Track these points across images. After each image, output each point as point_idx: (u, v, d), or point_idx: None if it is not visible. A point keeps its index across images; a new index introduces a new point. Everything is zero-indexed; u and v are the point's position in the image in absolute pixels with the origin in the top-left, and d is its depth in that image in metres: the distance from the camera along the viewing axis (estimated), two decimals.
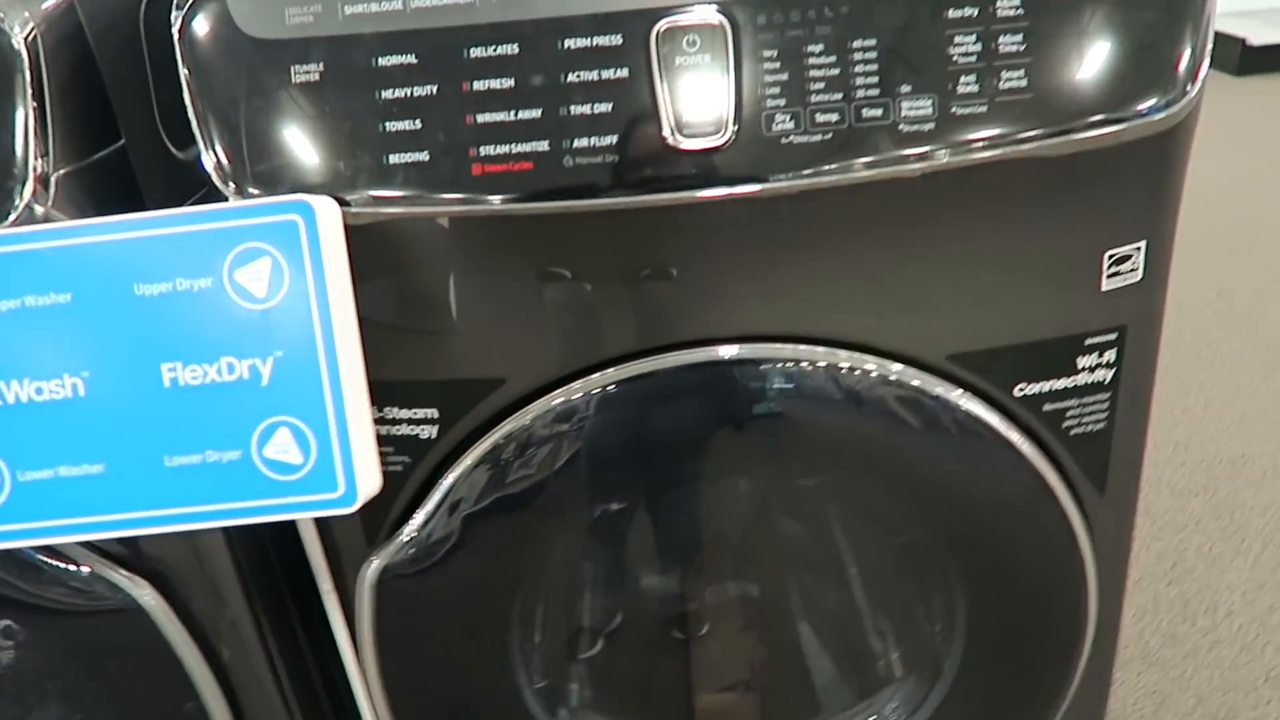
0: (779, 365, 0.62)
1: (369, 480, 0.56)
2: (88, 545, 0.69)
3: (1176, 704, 1.15)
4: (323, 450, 0.55)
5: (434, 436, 0.66)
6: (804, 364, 0.62)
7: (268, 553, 0.78)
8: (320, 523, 0.73)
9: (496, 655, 0.75)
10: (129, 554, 0.70)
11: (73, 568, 0.68)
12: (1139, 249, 0.60)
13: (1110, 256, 0.60)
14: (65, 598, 0.70)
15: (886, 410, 0.63)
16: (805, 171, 0.55)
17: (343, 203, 0.56)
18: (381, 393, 0.62)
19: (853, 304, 0.61)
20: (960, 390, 0.62)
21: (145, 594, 0.70)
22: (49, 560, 0.68)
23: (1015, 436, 0.63)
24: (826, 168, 0.55)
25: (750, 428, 0.66)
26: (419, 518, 0.68)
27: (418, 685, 0.75)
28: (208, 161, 0.58)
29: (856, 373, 0.62)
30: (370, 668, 0.74)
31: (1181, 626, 1.25)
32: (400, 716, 0.76)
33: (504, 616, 0.74)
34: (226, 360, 0.55)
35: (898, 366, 0.62)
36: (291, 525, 0.76)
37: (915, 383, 0.62)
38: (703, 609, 0.89)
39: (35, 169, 0.59)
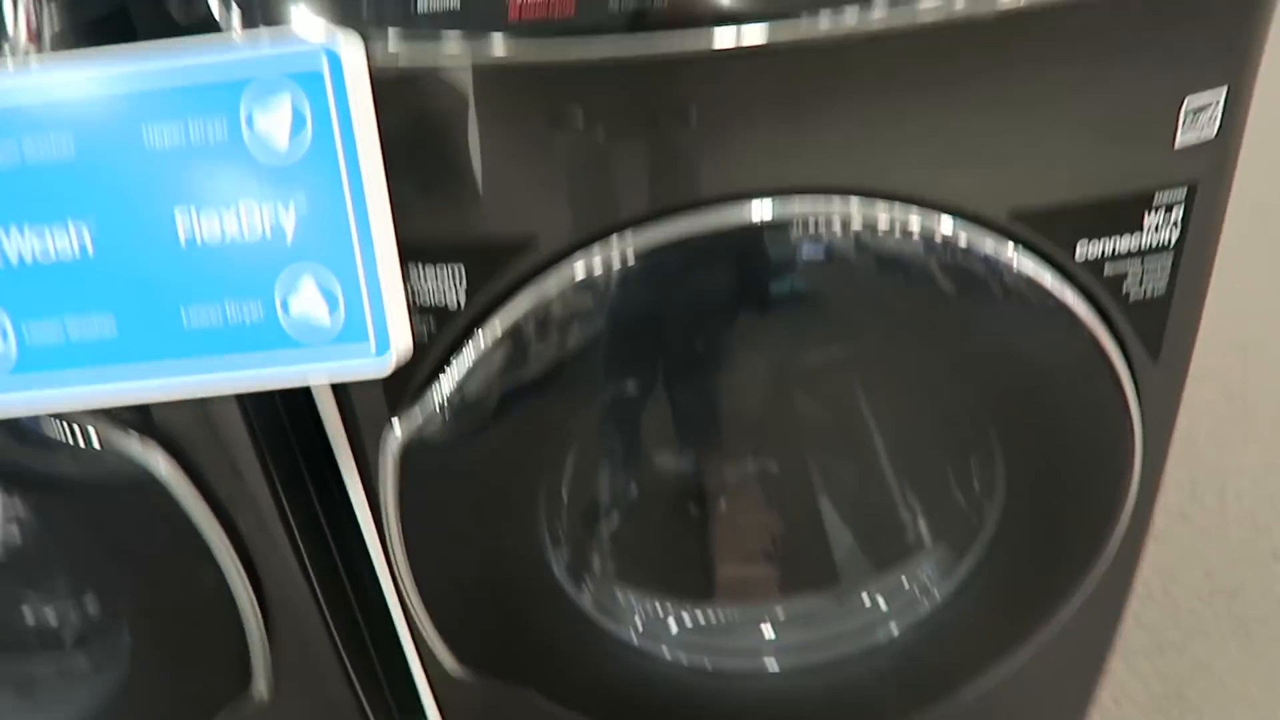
0: (823, 220, 0.59)
1: (401, 340, 0.53)
2: (101, 414, 0.67)
3: (1186, 577, 1.16)
4: (352, 306, 0.52)
5: (460, 300, 0.63)
6: (854, 218, 0.59)
7: (283, 424, 0.76)
8: (339, 393, 0.70)
9: (523, 526, 0.73)
10: (142, 423, 0.68)
11: (84, 439, 0.66)
12: (1218, 99, 0.56)
13: (1187, 106, 0.56)
14: (78, 470, 0.67)
15: (939, 269, 0.60)
16: (872, 10, 0.51)
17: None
18: (406, 253, 0.58)
19: (911, 156, 0.57)
20: (1018, 249, 0.59)
21: (161, 464, 0.68)
22: (59, 431, 0.65)
23: (1072, 299, 0.61)
24: (896, 7, 0.51)
25: (788, 289, 0.63)
26: (444, 385, 0.65)
27: (442, 556, 0.74)
28: (215, 7, 0.53)
29: (910, 228, 0.59)
30: (394, 539, 0.73)
31: (1191, 506, 1.26)
32: (424, 588, 0.75)
33: (531, 486, 0.72)
34: (247, 213, 0.51)
35: (954, 222, 0.58)
36: (307, 395, 0.73)
37: (972, 240, 0.59)
38: (722, 484, 0.88)
39: (30, 27, 0.55)
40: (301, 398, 0.77)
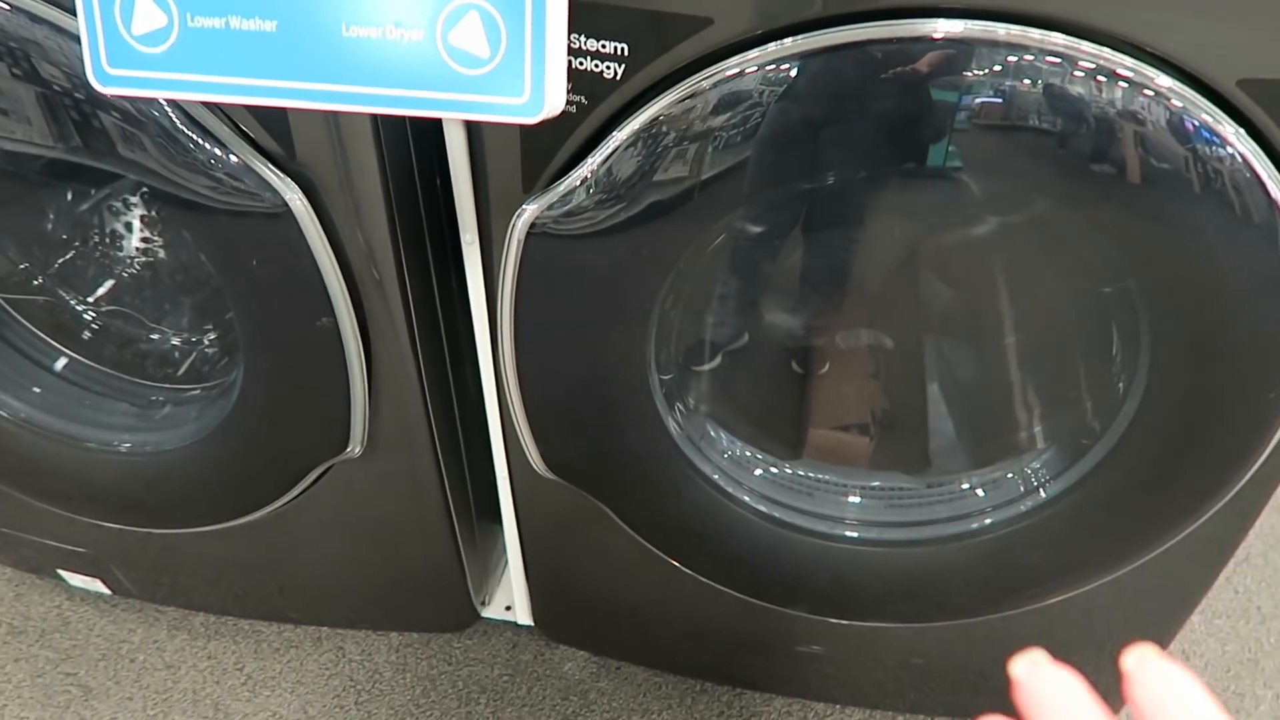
0: (1016, 49, 0.53)
1: (555, 95, 0.51)
2: (243, 137, 0.67)
3: None
4: (513, 46, 0.49)
5: (618, 77, 0.60)
6: (1051, 53, 0.53)
7: (416, 192, 0.75)
8: (475, 163, 0.69)
9: (631, 339, 0.72)
10: (282, 154, 0.68)
11: (224, 155, 0.66)
12: None
13: None
14: (213, 192, 0.68)
15: (1137, 131, 0.54)
16: None
17: None
18: (574, 16, 0.56)
19: None
20: (1239, 129, 0.53)
21: (295, 197, 0.68)
22: (203, 142, 0.66)
23: None
24: None
25: (957, 124, 0.58)
26: (587, 166, 0.63)
27: (548, 352, 0.73)
28: None
29: (1117, 80, 0.53)
30: (505, 327, 0.72)
31: None
32: (525, 381, 0.75)
33: (647, 299, 0.70)
34: None
35: (1169, 78, 0.53)
36: (443, 169, 0.72)
37: (1187, 104, 0.53)
38: (832, 346, 0.85)
39: None
40: (436, 171, 0.76)
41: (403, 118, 0.70)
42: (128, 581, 1.09)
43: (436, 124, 0.71)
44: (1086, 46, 0.53)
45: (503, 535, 1.14)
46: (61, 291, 0.95)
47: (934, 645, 0.95)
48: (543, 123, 0.51)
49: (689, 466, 0.79)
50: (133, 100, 0.64)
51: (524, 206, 0.66)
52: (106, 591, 1.12)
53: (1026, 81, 0.54)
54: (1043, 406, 0.79)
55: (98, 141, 0.67)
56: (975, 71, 0.55)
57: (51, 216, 0.95)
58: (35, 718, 1.03)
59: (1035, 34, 0.53)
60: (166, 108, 0.64)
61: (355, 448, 0.82)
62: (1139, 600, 0.86)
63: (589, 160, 0.63)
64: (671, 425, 0.78)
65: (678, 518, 0.81)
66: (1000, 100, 0.56)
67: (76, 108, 0.66)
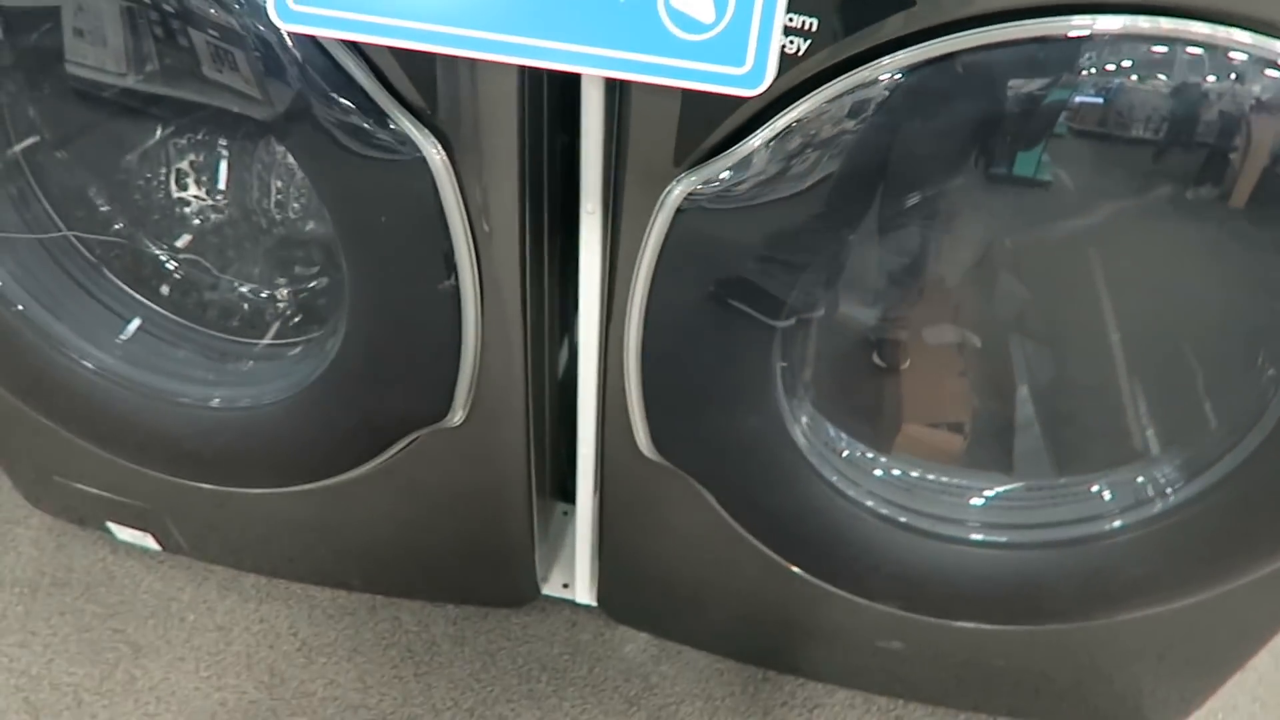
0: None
1: (774, 65, 0.49)
2: (385, 86, 0.64)
3: None
4: (740, 12, 0.47)
5: (800, 52, 0.57)
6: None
7: (542, 152, 0.73)
8: (620, 133, 0.66)
9: (765, 321, 0.70)
10: (424, 107, 0.65)
11: (367, 103, 0.63)
12: None
13: None
14: (350, 141, 0.65)
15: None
16: None
17: None
18: None
19: None
20: None
21: (435, 153, 0.65)
22: (345, 89, 0.62)
23: None
24: None
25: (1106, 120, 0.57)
26: (756, 141, 0.60)
27: (678, 326, 0.71)
28: None
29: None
30: (636, 300, 0.70)
31: None
32: (650, 354, 0.73)
33: (790, 281, 0.68)
34: None
35: None
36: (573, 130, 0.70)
37: None
38: (913, 342, 0.84)
39: None
40: (560, 137, 0.73)
41: (555, 76, 0.68)
42: (181, 537, 1.06)
43: (574, 88, 0.69)
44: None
45: (561, 512, 1.13)
46: (145, 239, 0.91)
47: (1008, 646, 0.94)
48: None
49: (803, 460, 0.77)
50: (284, 40, 0.60)
51: (678, 180, 0.64)
52: (156, 547, 1.09)
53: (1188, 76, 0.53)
54: (1157, 414, 0.78)
55: (231, 78, 0.64)
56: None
57: (136, 154, 0.91)
58: (84, 674, 1.00)
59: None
60: (312, 48, 0.61)
61: (457, 414, 0.80)
62: (1217, 618, 0.85)
63: (759, 134, 0.60)
64: (789, 416, 0.76)
65: (787, 509, 0.80)
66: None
67: (218, 41, 0.62)
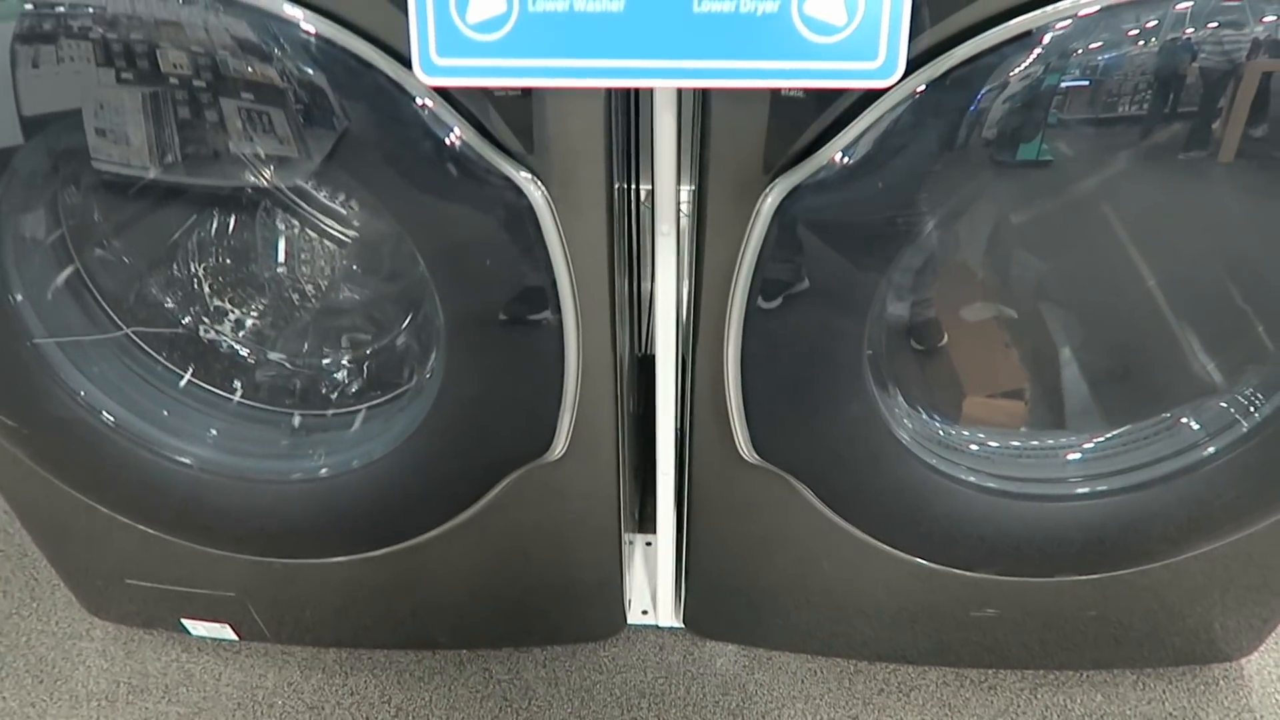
0: None
1: (904, 56, 0.53)
2: (482, 133, 0.66)
3: None
4: (871, 10, 0.51)
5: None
6: None
7: (624, 180, 0.76)
8: (709, 147, 0.69)
9: (859, 311, 0.73)
10: (520, 149, 0.67)
11: (469, 152, 0.65)
12: None
13: None
14: (455, 191, 0.67)
15: None
16: None
17: None
18: None
19: None
20: None
21: (538, 193, 0.67)
22: (448, 140, 0.65)
23: None
24: None
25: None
26: (847, 137, 0.63)
27: (779, 327, 0.74)
28: None
29: None
30: (735, 309, 0.73)
31: None
32: (751, 358, 0.75)
33: (882, 270, 0.71)
34: None
35: None
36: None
37: None
38: (944, 321, 0.87)
39: None
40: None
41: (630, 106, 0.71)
42: (261, 621, 1.05)
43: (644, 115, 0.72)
44: None
45: (645, 542, 1.15)
46: (214, 328, 0.92)
47: (1090, 599, 0.98)
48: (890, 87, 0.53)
49: (899, 442, 0.80)
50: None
51: (773, 184, 0.67)
52: (233, 637, 1.07)
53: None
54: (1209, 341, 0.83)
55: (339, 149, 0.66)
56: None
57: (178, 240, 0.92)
58: None
59: None
60: (418, 109, 0.63)
61: (559, 447, 0.81)
62: (1269, 545, 0.90)
63: (848, 131, 0.63)
64: (881, 402, 0.79)
65: (888, 493, 0.83)
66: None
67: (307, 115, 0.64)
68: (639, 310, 1.08)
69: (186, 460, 0.84)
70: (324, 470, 0.87)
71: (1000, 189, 0.69)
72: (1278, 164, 0.67)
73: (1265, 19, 0.59)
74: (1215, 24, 0.59)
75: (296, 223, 0.98)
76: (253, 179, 0.83)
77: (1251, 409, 0.77)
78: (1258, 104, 0.62)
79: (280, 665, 1.08)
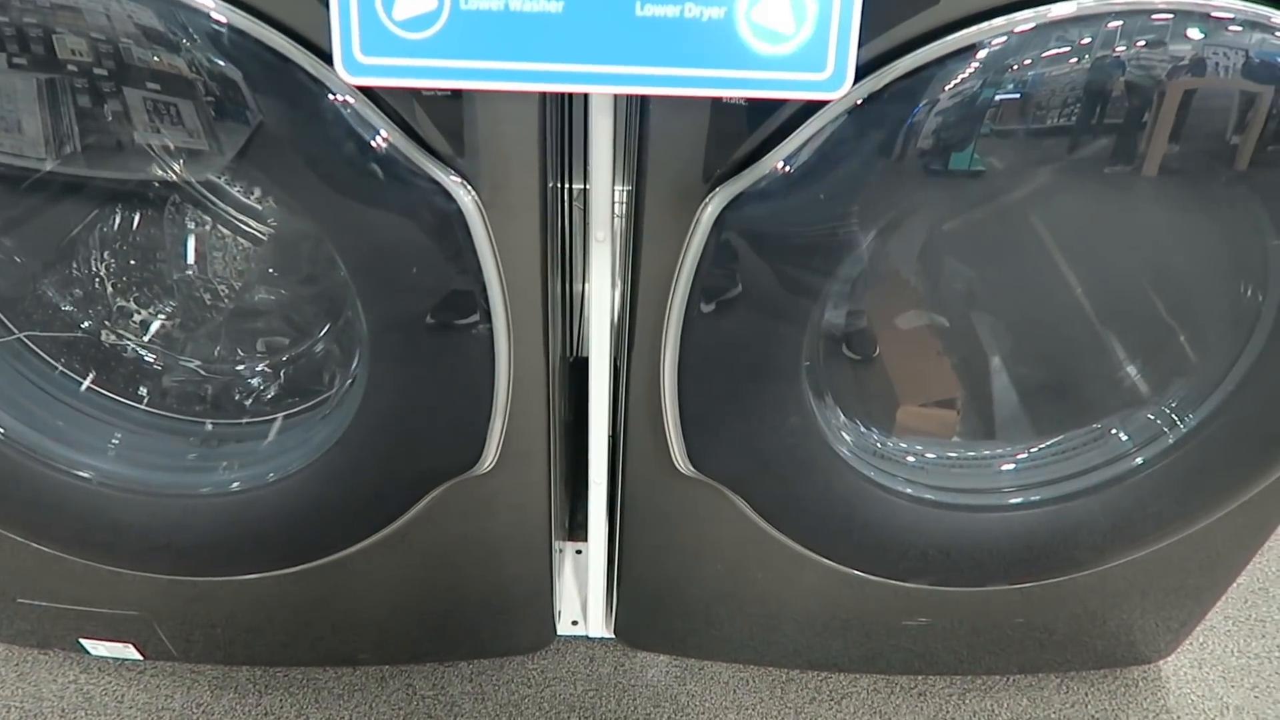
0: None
1: (853, 67, 0.51)
2: (410, 135, 0.63)
3: None
4: (821, 19, 0.49)
5: None
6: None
7: (557, 186, 0.73)
8: (647, 155, 0.67)
9: (798, 321, 0.72)
10: (450, 152, 0.64)
11: (397, 155, 0.62)
12: None
13: None
14: (380, 194, 0.63)
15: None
16: None
17: None
18: None
19: None
20: None
21: (468, 198, 0.64)
22: (375, 142, 0.61)
23: None
24: None
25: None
26: (789, 147, 0.62)
27: (716, 339, 0.72)
28: None
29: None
30: (673, 316, 0.71)
31: None
32: (688, 370, 0.73)
33: (822, 280, 0.70)
34: None
35: None
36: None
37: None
38: (879, 330, 0.87)
39: None
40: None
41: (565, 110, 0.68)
42: (168, 640, 0.99)
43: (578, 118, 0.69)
44: None
45: (574, 551, 1.12)
46: (116, 330, 0.86)
47: (1017, 605, 0.99)
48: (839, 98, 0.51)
49: (836, 454, 0.79)
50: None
51: (714, 193, 0.65)
52: (137, 657, 1.01)
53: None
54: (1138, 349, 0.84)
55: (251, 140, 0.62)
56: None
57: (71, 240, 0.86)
58: None
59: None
60: (339, 106, 0.59)
61: (489, 460, 0.78)
62: (1188, 551, 0.92)
63: (791, 139, 0.62)
64: (818, 413, 0.78)
65: (824, 504, 0.82)
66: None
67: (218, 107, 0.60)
68: (570, 312, 1.05)
69: (85, 474, 0.79)
70: (236, 484, 0.83)
71: (936, 199, 0.69)
72: (1198, 180, 0.68)
73: (1190, 37, 0.59)
74: (1143, 42, 0.59)
75: (208, 219, 0.93)
76: (160, 172, 0.78)
77: (1177, 421, 0.78)
78: (1179, 121, 0.63)
79: (188, 685, 1.02)
